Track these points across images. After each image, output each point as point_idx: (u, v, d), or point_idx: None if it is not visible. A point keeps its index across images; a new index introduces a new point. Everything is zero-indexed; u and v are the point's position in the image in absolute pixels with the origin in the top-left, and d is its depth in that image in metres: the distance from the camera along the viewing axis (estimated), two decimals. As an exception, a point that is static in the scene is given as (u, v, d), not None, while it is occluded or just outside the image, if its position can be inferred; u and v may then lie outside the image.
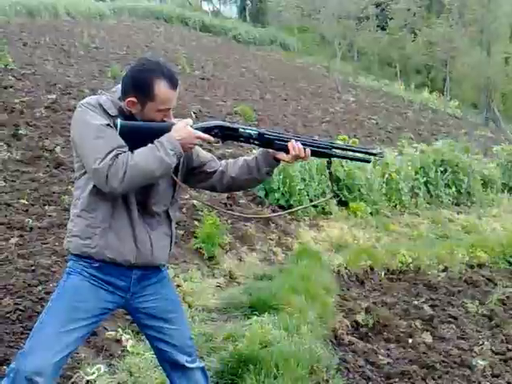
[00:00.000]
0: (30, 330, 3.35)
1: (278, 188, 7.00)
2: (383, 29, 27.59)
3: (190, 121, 2.17)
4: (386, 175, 8.65)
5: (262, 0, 32.75)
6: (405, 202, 8.79)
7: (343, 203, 7.90)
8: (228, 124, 2.26)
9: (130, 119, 2.13)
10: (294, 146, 2.20)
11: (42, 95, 8.92)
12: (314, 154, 2.26)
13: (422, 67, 29.47)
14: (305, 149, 2.22)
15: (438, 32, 23.12)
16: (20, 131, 7.11)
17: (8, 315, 3.43)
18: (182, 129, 2.11)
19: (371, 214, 7.91)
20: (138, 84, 2.09)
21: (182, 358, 2.35)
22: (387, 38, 26.94)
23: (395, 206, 8.65)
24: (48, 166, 6.42)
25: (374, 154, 2.38)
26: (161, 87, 2.08)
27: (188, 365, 2.37)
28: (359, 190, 7.97)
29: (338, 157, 2.36)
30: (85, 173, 2.12)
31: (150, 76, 2.08)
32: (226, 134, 2.24)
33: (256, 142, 2.25)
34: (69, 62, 12.74)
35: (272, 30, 30.31)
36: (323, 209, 7.44)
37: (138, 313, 2.31)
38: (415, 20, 26.89)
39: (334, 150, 2.29)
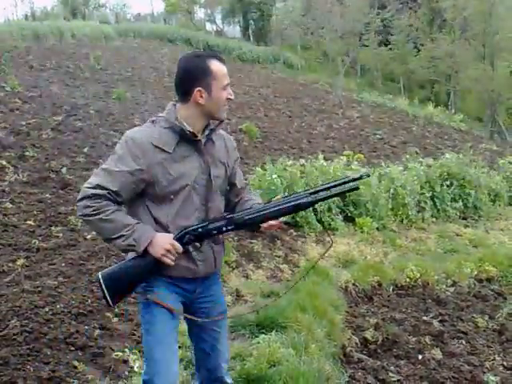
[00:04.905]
0: (37, 351, 3.35)
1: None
2: (386, 44, 27.74)
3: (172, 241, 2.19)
4: (392, 190, 8.63)
5: (265, 19, 33.11)
6: (411, 217, 8.75)
7: (349, 219, 7.88)
8: (195, 226, 2.24)
9: (194, 135, 2.20)
10: (266, 227, 2.31)
11: (48, 117, 9.01)
12: (295, 211, 2.30)
13: (425, 82, 29.56)
14: (277, 217, 2.28)
15: (440, 46, 23.20)
16: (26, 153, 7.17)
17: (15, 337, 3.42)
18: (165, 239, 2.15)
19: (378, 229, 7.87)
20: (196, 71, 2.18)
21: (221, 368, 2.44)
22: (390, 54, 27.07)
23: (402, 220, 8.61)
24: (54, 187, 6.46)
25: (360, 178, 2.32)
26: (216, 64, 2.20)
27: (225, 377, 2.47)
28: (365, 206, 7.94)
29: (323, 199, 2.34)
30: (143, 200, 2.21)
31: (202, 60, 2.20)
32: (198, 235, 2.24)
33: (229, 228, 2.27)
34: (74, 84, 12.87)
35: (275, 49, 30.58)
36: (329, 225, 7.42)
37: (198, 312, 2.38)
38: (418, 35, 27.04)
39: (312, 196, 2.28)
